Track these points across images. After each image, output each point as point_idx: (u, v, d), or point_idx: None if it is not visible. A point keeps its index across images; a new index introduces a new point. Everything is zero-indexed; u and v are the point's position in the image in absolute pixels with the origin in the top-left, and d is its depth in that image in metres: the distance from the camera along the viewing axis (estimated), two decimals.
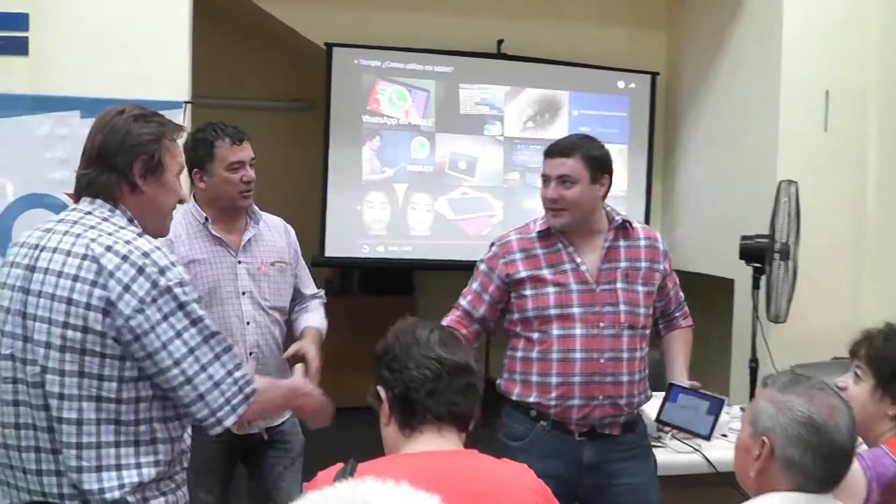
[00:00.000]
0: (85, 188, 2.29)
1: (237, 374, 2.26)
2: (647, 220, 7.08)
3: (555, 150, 3.17)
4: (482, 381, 2.13)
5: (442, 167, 6.81)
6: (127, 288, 2.11)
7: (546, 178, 3.16)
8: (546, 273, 3.14)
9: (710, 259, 6.38)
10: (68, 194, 3.94)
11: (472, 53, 6.91)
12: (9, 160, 3.95)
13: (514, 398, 3.19)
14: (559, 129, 6.94)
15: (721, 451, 3.55)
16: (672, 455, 3.57)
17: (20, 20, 4.37)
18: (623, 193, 6.98)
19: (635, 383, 3.17)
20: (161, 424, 2.23)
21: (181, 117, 4.13)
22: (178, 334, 2.16)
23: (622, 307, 3.14)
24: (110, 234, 2.18)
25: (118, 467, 2.15)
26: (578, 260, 3.15)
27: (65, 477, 2.15)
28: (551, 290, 3.12)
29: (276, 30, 6.93)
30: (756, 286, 5.16)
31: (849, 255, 5.76)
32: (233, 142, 3.34)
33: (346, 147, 6.57)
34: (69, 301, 2.12)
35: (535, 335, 3.13)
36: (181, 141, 2.44)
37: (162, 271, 2.15)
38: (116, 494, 2.14)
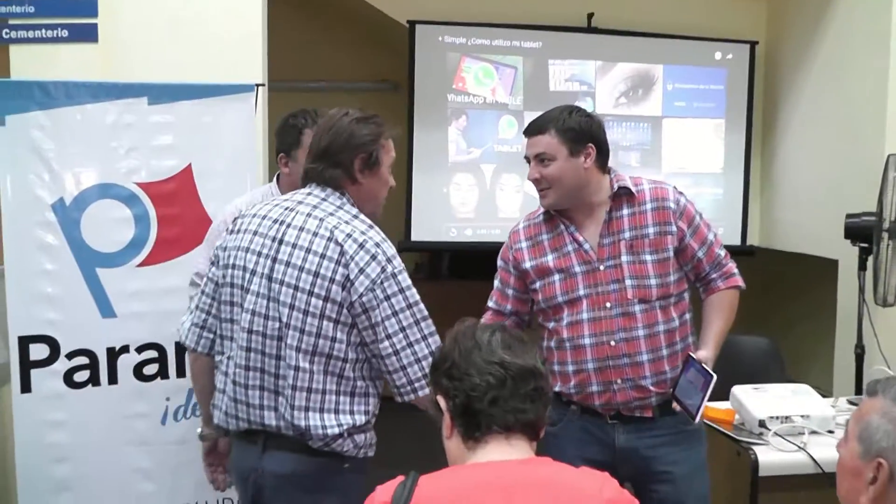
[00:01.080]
0: (314, 179, 2.75)
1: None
2: (745, 199, 6.86)
3: (529, 129, 3.06)
4: (550, 385, 1.97)
5: None
6: (362, 270, 2.56)
7: (527, 159, 3.07)
8: (550, 260, 3.05)
9: (813, 239, 6.10)
10: (138, 184, 3.88)
11: (561, 28, 6.71)
12: (76, 150, 3.87)
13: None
14: (653, 105, 6.74)
15: (827, 450, 3.30)
16: (774, 454, 3.35)
17: (89, 6, 4.32)
18: (720, 171, 6.78)
19: (663, 359, 3.00)
20: (371, 382, 2.71)
21: (252, 101, 3.99)
22: (395, 314, 2.59)
23: (628, 282, 2.98)
24: (347, 222, 2.64)
25: (337, 412, 2.63)
26: (580, 239, 3.02)
27: (281, 413, 2.63)
28: (556, 277, 3.04)
29: (358, 9, 6.83)
30: (862, 267, 4.93)
31: None
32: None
33: (432, 128, 6.44)
34: (316, 274, 2.58)
35: (551, 325, 3.07)
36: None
37: (389, 260, 2.60)
38: (336, 431, 2.61)
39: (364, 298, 2.56)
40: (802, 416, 3.53)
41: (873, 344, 4.94)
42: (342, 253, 2.58)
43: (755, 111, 6.99)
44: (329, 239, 2.60)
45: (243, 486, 2.77)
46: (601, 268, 2.99)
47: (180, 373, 3.90)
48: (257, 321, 2.66)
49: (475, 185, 6.59)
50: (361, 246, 2.58)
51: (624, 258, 2.99)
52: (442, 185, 6.49)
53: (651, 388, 2.98)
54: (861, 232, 4.92)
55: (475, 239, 6.61)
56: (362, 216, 2.70)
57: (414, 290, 2.64)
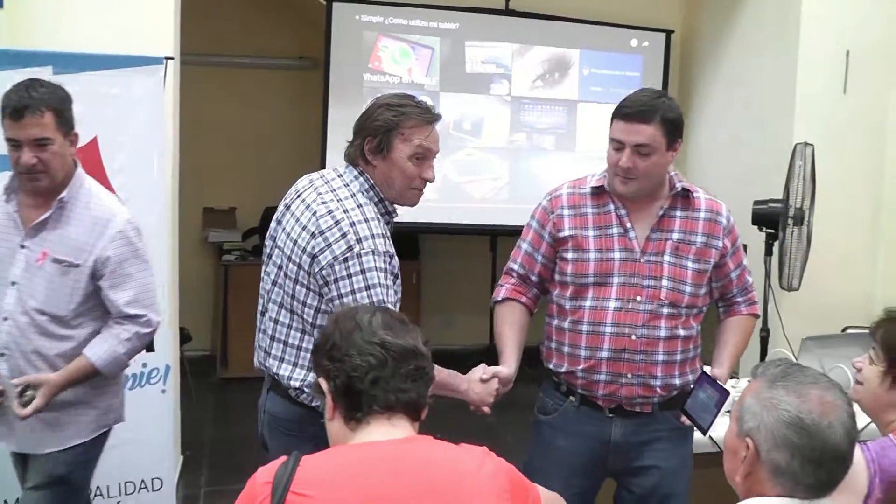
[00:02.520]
0: (344, 155, 2.84)
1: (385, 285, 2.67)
2: None
3: (631, 113, 2.81)
4: (432, 365, 1.97)
5: (446, 128, 6.58)
6: (329, 245, 2.64)
7: (619, 144, 2.83)
8: (591, 235, 2.92)
9: None
10: None
11: (479, 9, 6.72)
12: None
13: (550, 367, 3.02)
14: (569, 89, 6.79)
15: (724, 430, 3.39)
16: None
17: None
18: None
19: (675, 364, 2.92)
20: None
21: (161, 74, 3.91)
22: (353, 292, 2.62)
23: (665, 282, 2.88)
24: (339, 199, 2.71)
25: (302, 367, 2.74)
26: (628, 225, 2.90)
27: (280, 363, 2.79)
28: (592, 255, 2.90)
29: None
30: (769, 252, 5.03)
31: (865, 221, 5.64)
32: (6, 115, 2.88)
33: (347, 106, 6.35)
34: (295, 242, 2.72)
35: (569, 304, 2.94)
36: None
37: (359, 240, 2.63)
38: (297, 384, 2.74)
39: (325, 272, 2.65)
40: None
41: (777, 327, 5.04)
42: (317, 226, 2.67)
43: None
44: (313, 212, 2.70)
45: (259, 421, 2.95)
46: (642, 260, 2.89)
47: None
48: (265, 278, 2.91)
49: None
50: (337, 223, 2.66)
51: (667, 258, 2.90)
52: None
53: (658, 388, 2.91)
54: (768, 218, 5.01)
55: None
56: (363, 196, 2.75)
57: (380, 274, 2.65)
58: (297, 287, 2.73)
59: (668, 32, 7.03)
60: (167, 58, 4.01)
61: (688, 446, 3.07)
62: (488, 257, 7.15)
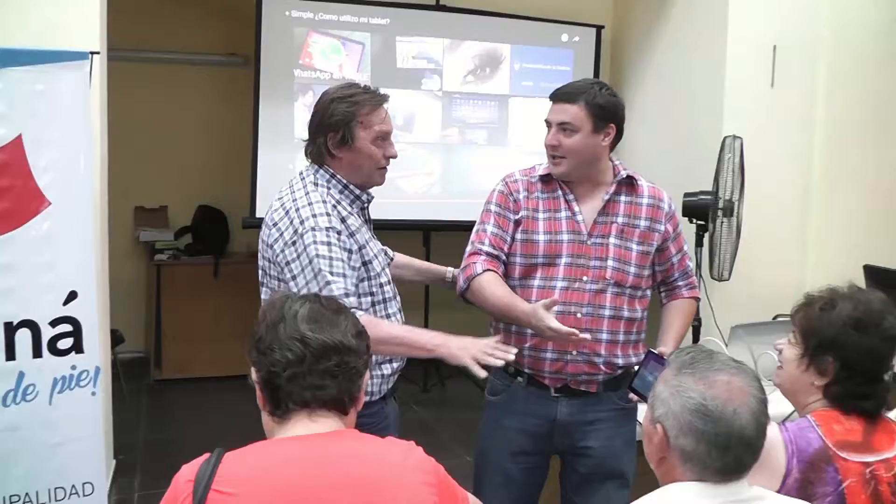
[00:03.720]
0: (307, 156, 2.99)
1: (340, 274, 2.78)
2: None
3: (558, 95, 3.03)
4: (365, 357, 1.93)
5: None
6: (280, 232, 2.83)
7: (548, 124, 3.04)
8: (540, 217, 3.05)
9: None
10: None
11: (410, 5, 6.71)
12: None
13: None
14: (500, 84, 6.80)
15: None
16: None
17: None
18: None
19: (618, 344, 3.04)
20: None
21: (87, 70, 3.82)
22: (302, 270, 2.77)
23: (610, 262, 3.02)
24: (294, 191, 2.89)
25: None
26: (576, 209, 3.04)
27: None
28: (542, 237, 3.03)
29: None
30: (699, 244, 5.07)
31: (794, 212, 5.73)
32: None
33: (278, 103, 6.34)
34: (262, 240, 2.93)
35: (517, 283, 3.04)
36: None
37: (303, 221, 2.79)
38: None
39: (279, 257, 2.83)
40: None
41: (709, 317, 5.09)
42: (272, 218, 2.88)
43: None
44: (271, 209, 2.92)
45: None
46: (588, 242, 3.01)
47: (9, 356, 3.65)
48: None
49: None
50: (287, 212, 2.84)
51: (612, 240, 3.03)
52: (288, 161, 6.34)
53: (602, 366, 3.02)
54: (698, 210, 5.06)
55: None
56: (322, 188, 2.90)
57: (321, 248, 2.78)
58: (274, 283, 2.90)
59: (599, 28, 7.08)
60: (93, 52, 3.91)
61: (631, 427, 3.16)
62: (421, 252, 7.11)
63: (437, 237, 7.02)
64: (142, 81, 7.14)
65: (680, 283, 3.25)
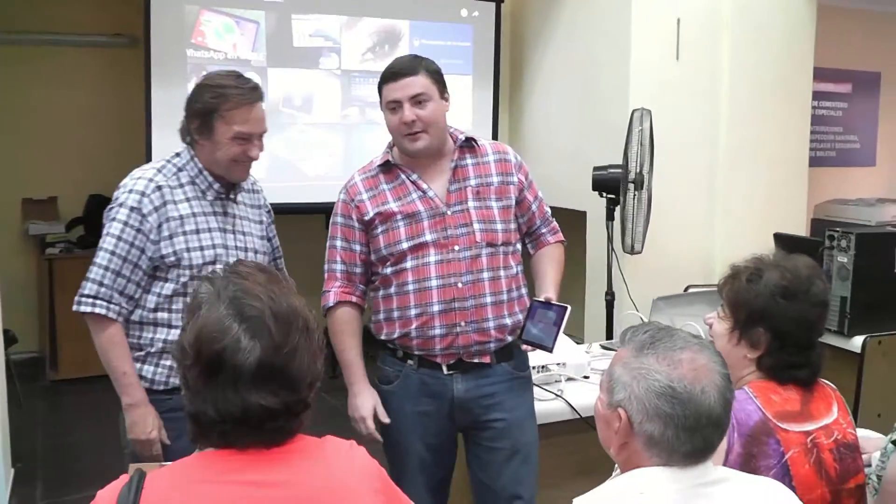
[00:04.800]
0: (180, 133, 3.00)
1: (94, 281, 2.86)
2: None
3: (398, 72, 2.97)
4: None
5: (276, 104, 6.39)
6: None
7: (395, 103, 2.96)
8: (394, 207, 3.00)
9: (562, 192, 6.14)
10: None
11: None
12: None
13: (383, 338, 3.07)
14: None
15: (583, 396, 3.48)
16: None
17: None
18: (469, 126, 6.70)
19: (503, 304, 3.02)
20: (145, 311, 2.97)
21: None
22: (103, 239, 2.85)
23: (476, 226, 3.00)
24: (143, 169, 2.95)
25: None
26: (424, 186, 3.01)
27: None
28: (401, 223, 2.99)
29: None
30: (610, 217, 5.06)
31: (702, 184, 5.78)
32: None
33: (171, 85, 6.08)
34: None
35: (390, 270, 3.01)
36: None
37: (114, 199, 2.87)
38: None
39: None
40: (558, 364, 3.62)
41: (622, 290, 5.08)
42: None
43: (502, 68, 7.04)
44: None
45: None
46: (448, 212, 2.98)
47: None
48: None
49: None
50: (119, 186, 2.91)
51: (471, 203, 3.01)
52: (181, 145, 6.13)
53: (492, 331, 2.99)
54: (608, 184, 5.03)
55: None
56: (170, 167, 2.95)
57: (113, 224, 2.85)
58: None
59: (499, 2, 6.96)
60: None
61: (529, 395, 3.18)
62: (322, 236, 6.96)
63: None
64: (23, 66, 6.85)
65: (543, 231, 3.25)
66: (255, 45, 6.35)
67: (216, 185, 2.94)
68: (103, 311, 2.85)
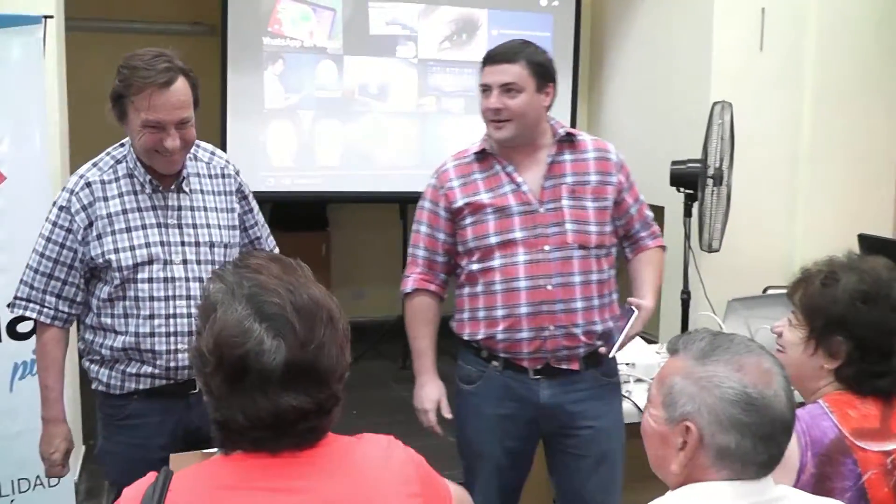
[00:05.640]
0: None
1: (25, 283, 2.69)
2: None
3: (496, 56, 2.87)
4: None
5: (351, 93, 6.43)
6: None
7: (486, 88, 2.87)
8: (485, 198, 2.90)
9: (639, 187, 6.04)
10: None
11: None
12: None
13: (465, 338, 2.96)
14: (477, 50, 6.58)
15: None
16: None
17: None
18: None
19: (594, 310, 2.89)
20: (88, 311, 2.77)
21: (41, 35, 3.62)
22: (36, 240, 2.68)
23: (569, 226, 2.86)
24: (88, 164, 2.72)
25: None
26: (519, 180, 2.89)
27: None
28: (491, 216, 2.88)
29: None
30: (688, 214, 4.96)
31: (784, 181, 5.66)
32: None
33: (247, 72, 6.14)
34: None
35: (476, 267, 2.90)
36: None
37: (55, 201, 2.67)
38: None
39: None
40: (627, 364, 3.53)
41: (698, 289, 4.97)
42: None
43: (582, 58, 6.94)
44: None
45: None
46: (541, 210, 2.87)
47: None
48: None
49: (293, 133, 6.34)
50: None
51: (565, 202, 2.88)
52: (258, 134, 6.22)
53: (581, 337, 2.86)
54: (686, 179, 4.94)
55: (294, 188, 6.36)
56: (108, 159, 2.72)
57: (45, 225, 2.67)
58: None
59: None
60: (46, 16, 3.72)
61: (618, 401, 3.07)
62: (398, 225, 6.97)
63: (414, 209, 6.80)
64: (104, 53, 6.89)
65: (643, 235, 3.08)
66: (331, 32, 6.35)
67: (149, 178, 2.65)
68: (34, 315, 2.69)
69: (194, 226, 2.70)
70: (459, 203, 2.91)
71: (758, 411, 1.59)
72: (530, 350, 2.86)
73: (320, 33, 6.33)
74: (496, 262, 2.87)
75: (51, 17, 3.84)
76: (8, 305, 2.70)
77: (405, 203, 6.86)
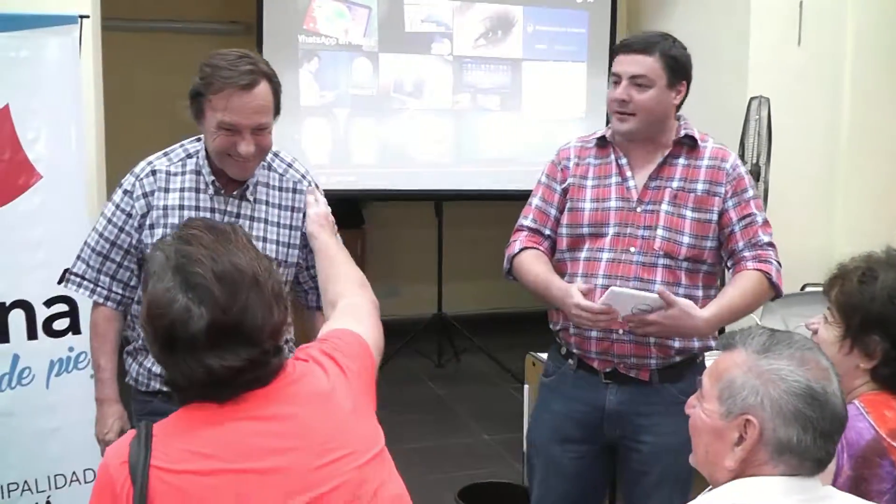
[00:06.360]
0: None
1: (82, 260, 2.69)
2: None
3: (631, 45, 2.79)
4: None
5: (386, 90, 6.42)
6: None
7: (616, 77, 2.77)
8: (589, 184, 2.83)
9: None
10: None
11: None
12: None
13: (551, 327, 2.92)
14: (513, 47, 6.61)
15: None
16: None
17: None
18: (582, 115, 6.63)
19: None
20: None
21: (76, 35, 3.64)
22: (97, 220, 2.71)
23: (660, 231, 2.73)
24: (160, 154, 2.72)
25: None
26: (628, 174, 2.80)
27: None
28: (588, 205, 2.81)
29: None
30: None
31: (822, 177, 5.60)
32: None
33: (282, 70, 5.99)
34: None
35: (567, 256, 2.84)
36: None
37: (121, 184, 2.67)
38: None
39: None
40: None
41: None
42: None
43: None
44: None
45: None
46: (638, 209, 2.76)
47: (2, 338, 3.58)
48: None
49: (328, 131, 6.36)
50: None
51: (664, 206, 2.75)
52: (293, 131, 6.19)
53: (653, 347, 2.73)
54: None
55: (329, 187, 6.20)
56: (179, 152, 2.71)
57: (108, 206, 2.69)
58: None
59: None
60: (82, 16, 3.73)
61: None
62: (434, 223, 6.96)
63: (450, 207, 6.89)
64: (138, 52, 6.96)
65: (746, 254, 2.78)
66: (366, 30, 6.35)
67: (212, 179, 2.60)
68: (87, 294, 2.69)
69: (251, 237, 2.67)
70: (567, 182, 2.86)
71: (821, 406, 1.59)
72: (598, 350, 2.77)
73: (355, 31, 6.34)
74: (582, 255, 2.79)
75: (87, 16, 3.84)
76: (60, 281, 2.74)
77: (440, 200, 6.87)
